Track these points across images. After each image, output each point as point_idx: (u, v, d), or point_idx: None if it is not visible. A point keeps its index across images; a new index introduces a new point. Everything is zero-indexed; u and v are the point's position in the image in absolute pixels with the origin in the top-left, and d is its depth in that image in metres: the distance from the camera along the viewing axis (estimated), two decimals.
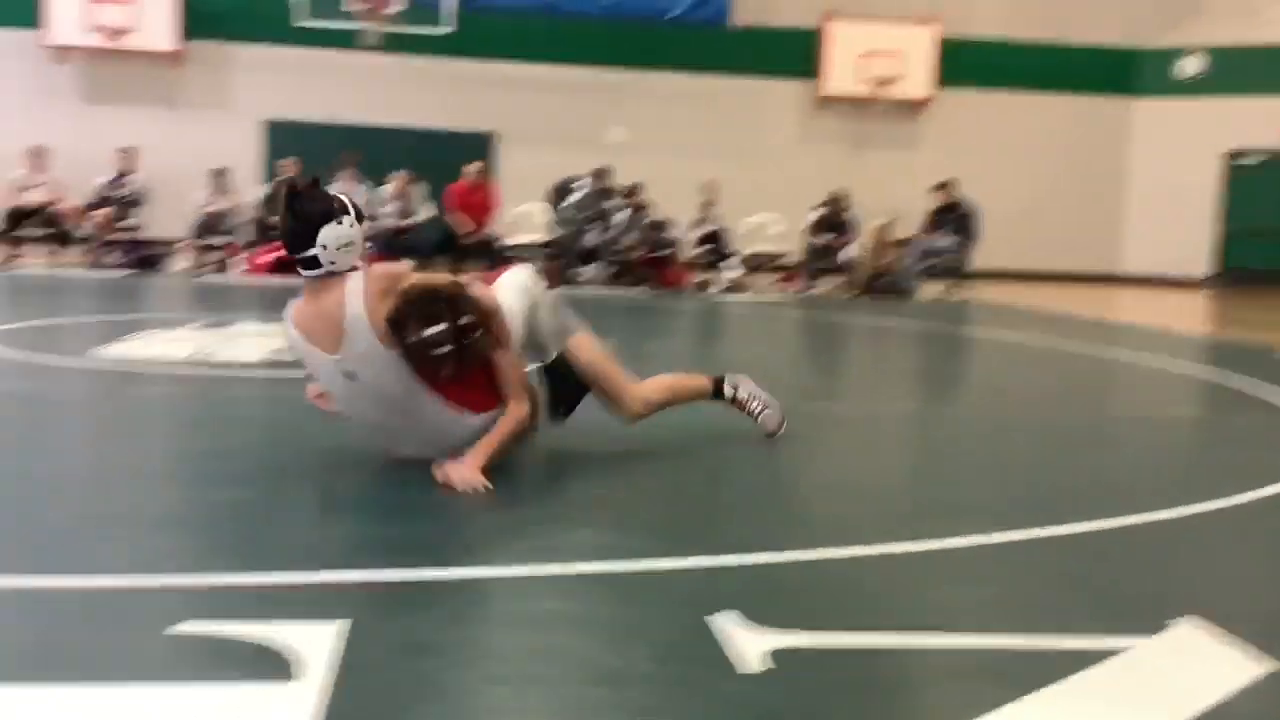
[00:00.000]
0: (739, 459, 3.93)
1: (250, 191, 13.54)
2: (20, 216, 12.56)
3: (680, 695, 1.92)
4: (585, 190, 13.22)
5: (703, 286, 12.90)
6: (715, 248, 13.30)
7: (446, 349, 3.17)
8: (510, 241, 13.15)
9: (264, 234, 12.07)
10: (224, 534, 2.81)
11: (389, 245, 12.08)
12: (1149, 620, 2.30)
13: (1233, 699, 1.96)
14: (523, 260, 12.06)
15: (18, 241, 12.50)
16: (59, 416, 4.44)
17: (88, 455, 3.79)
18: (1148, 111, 17.58)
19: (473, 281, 3.51)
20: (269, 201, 12.58)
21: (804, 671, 2.02)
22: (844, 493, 3.58)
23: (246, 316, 7.99)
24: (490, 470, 3.21)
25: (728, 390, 4.09)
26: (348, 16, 14.11)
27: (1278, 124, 16.48)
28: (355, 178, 13.32)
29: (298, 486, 3.32)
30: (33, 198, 12.66)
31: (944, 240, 13.18)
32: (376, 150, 13.97)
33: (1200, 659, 2.16)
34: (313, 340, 3.31)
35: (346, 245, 3.28)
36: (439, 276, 3.54)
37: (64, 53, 15.07)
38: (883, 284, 12.88)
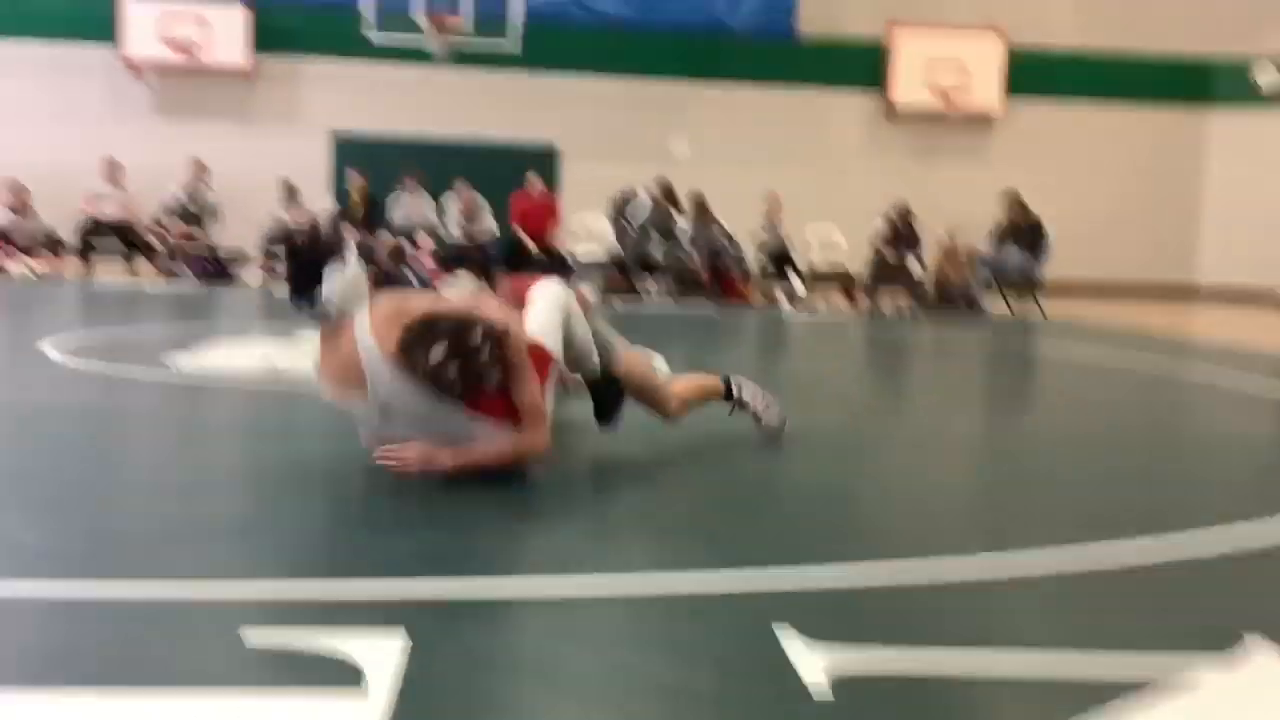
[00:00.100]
0: (784, 467, 3.88)
1: (320, 203, 13.75)
2: (95, 228, 12.85)
3: (748, 715, 1.88)
4: (648, 204, 13.21)
5: (768, 300, 12.83)
6: (780, 261, 13.22)
7: (453, 373, 3.16)
8: (577, 253, 13.18)
9: None
10: (292, 543, 2.81)
11: (458, 259, 12.15)
12: (1224, 646, 2.20)
13: None
14: (587, 271, 12.10)
15: (92, 253, 12.79)
16: (131, 426, 4.49)
17: (159, 465, 3.82)
18: (1225, 122, 17.21)
19: (488, 302, 3.48)
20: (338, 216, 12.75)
21: (870, 689, 1.96)
22: (905, 506, 3.50)
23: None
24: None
25: (734, 390, 4.15)
26: (416, 30, 14.26)
27: None
28: (419, 191, 13.48)
29: (363, 498, 3.32)
30: (107, 210, 12.95)
31: (1015, 254, 12.96)
32: (440, 163, 14.12)
33: (1277, 688, 2.07)
34: (346, 390, 3.32)
35: (352, 288, 3.29)
36: (446, 301, 3.52)
37: (139, 67, 15.42)
38: (951, 297, 12.71)
